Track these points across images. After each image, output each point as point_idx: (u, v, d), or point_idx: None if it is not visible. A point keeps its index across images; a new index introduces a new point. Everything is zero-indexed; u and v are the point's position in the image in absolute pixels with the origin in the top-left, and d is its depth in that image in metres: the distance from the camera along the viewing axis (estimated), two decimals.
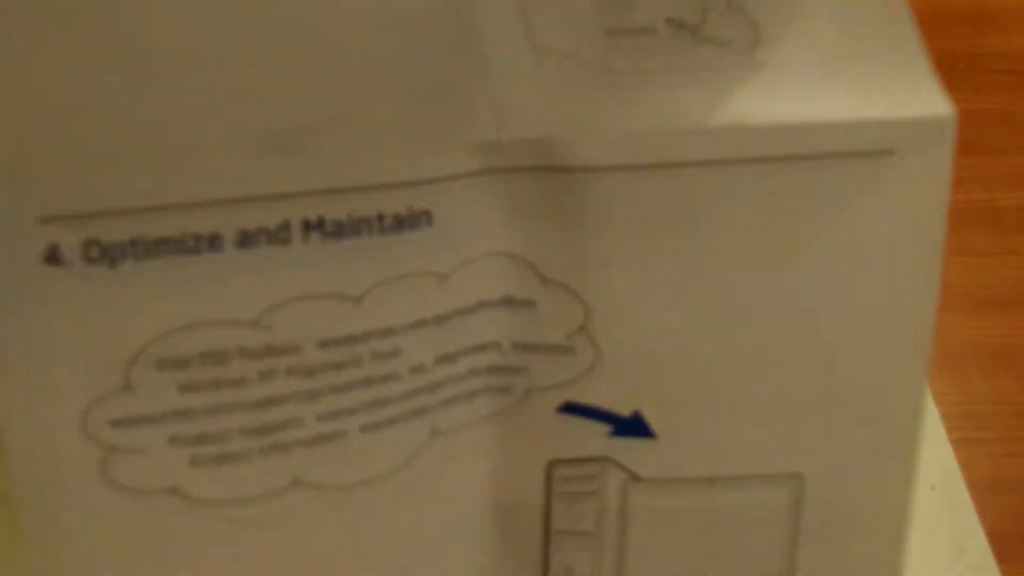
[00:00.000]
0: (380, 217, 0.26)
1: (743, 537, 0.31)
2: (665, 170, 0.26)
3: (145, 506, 0.27)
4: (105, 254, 0.25)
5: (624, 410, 0.29)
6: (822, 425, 0.30)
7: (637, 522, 0.31)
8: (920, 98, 0.27)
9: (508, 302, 0.28)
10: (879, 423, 0.30)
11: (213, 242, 0.25)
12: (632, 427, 0.29)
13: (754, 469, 0.30)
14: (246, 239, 0.25)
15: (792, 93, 0.27)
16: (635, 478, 0.30)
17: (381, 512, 0.29)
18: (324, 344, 0.26)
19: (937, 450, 0.44)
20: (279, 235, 0.25)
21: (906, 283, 0.29)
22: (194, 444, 0.26)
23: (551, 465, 0.30)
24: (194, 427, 0.26)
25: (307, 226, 0.25)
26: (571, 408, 0.29)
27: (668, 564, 0.31)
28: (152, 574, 0.28)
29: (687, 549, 0.31)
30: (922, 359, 0.30)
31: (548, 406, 0.29)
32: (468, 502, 0.30)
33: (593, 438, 0.29)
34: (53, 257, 0.24)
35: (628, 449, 0.30)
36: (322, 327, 0.26)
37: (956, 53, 0.65)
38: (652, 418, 0.29)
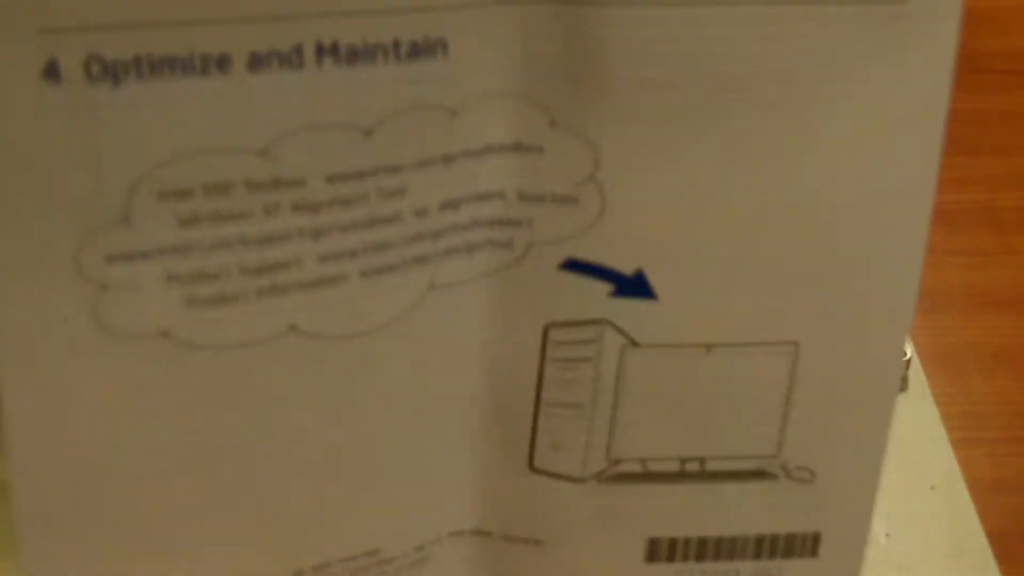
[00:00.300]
0: (396, 44, 0.26)
1: (736, 409, 0.32)
2: (681, 8, 0.27)
3: (135, 350, 0.27)
4: (107, 71, 0.24)
5: (627, 268, 0.30)
6: (820, 294, 0.31)
7: (632, 391, 0.32)
8: None
9: (516, 147, 0.28)
10: (875, 296, 0.32)
11: (222, 63, 0.25)
12: (634, 286, 0.30)
13: (752, 336, 0.31)
14: (257, 62, 0.25)
15: None
16: (633, 343, 0.31)
17: (373, 365, 0.29)
18: (331, 178, 0.27)
19: (937, 450, 0.45)
20: (291, 59, 0.25)
21: (909, 147, 0.30)
22: (190, 283, 0.26)
23: (548, 328, 0.31)
24: (192, 264, 0.26)
25: (321, 50, 0.26)
26: (573, 265, 0.30)
27: (659, 438, 0.32)
28: (139, 419, 0.28)
29: (680, 422, 0.32)
30: (921, 232, 0.31)
31: (549, 262, 0.30)
32: (461, 363, 0.31)
33: (593, 298, 0.30)
34: (52, 72, 0.24)
35: (628, 311, 0.31)
36: (330, 160, 0.27)
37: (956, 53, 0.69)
38: (654, 278, 0.30)
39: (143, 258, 0.26)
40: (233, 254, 0.27)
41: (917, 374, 0.47)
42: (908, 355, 0.46)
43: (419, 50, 0.26)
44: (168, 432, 0.28)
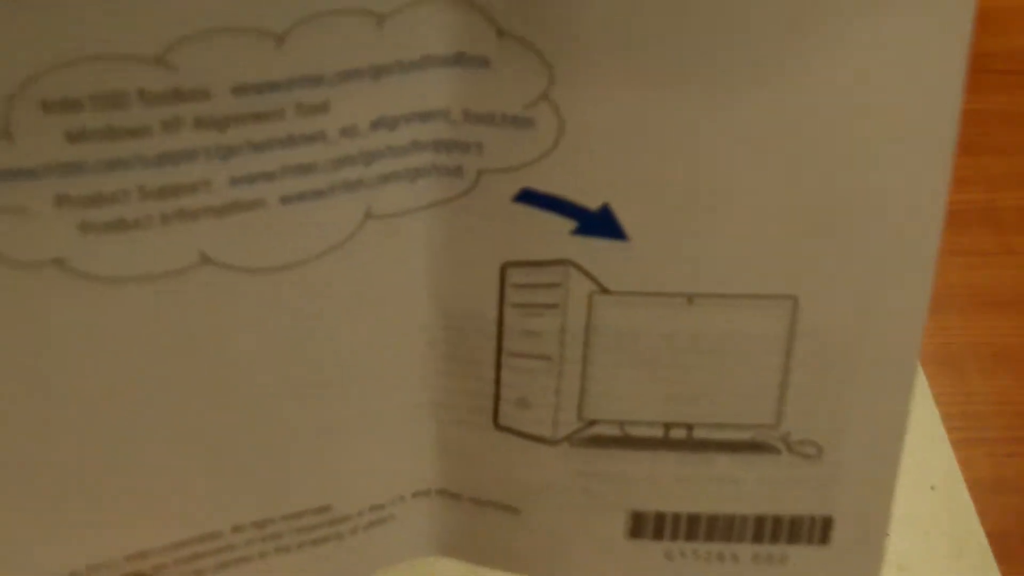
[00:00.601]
0: None
1: (726, 371, 0.29)
2: None
3: (27, 281, 0.25)
4: None
5: (591, 202, 0.27)
6: (821, 244, 0.28)
7: (604, 345, 0.29)
8: None
9: (459, 60, 0.26)
10: (887, 249, 0.28)
11: None
12: (599, 223, 0.27)
13: (742, 287, 0.28)
14: None
15: None
16: (603, 290, 0.28)
17: (305, 301, 0.27)
18: (239, 90, 0.24)
19: (937, 450, 0.46)
20: None
21: (927, 91, 0.26)
22: (85, 206, 0.24)
23: (505, 268, 0.28)
24: (85, 185, 0.24)
25: None
26: (529, 196, 0.27)
27: (638, 400, 0.29)
28: (39, 358, 0.26)
29: (661, 382, 0.29)
30: (941, 183, 0.27)
31: (503, 193, 0.27)
32: (411, 302, 0.28)
33: (554, 236, 0.27)
34: None
35: (595, 252, 0.28)
36: (236, 69, 0.24)
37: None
38: (623, 215, 0.27)
39: (28, 177, 0.24)
40: (131, 175, 0.25)
41: (917, 374, 0.46)
42: None
43: None
44: (73, 373, 0.26)
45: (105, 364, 0.27)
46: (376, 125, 0.26)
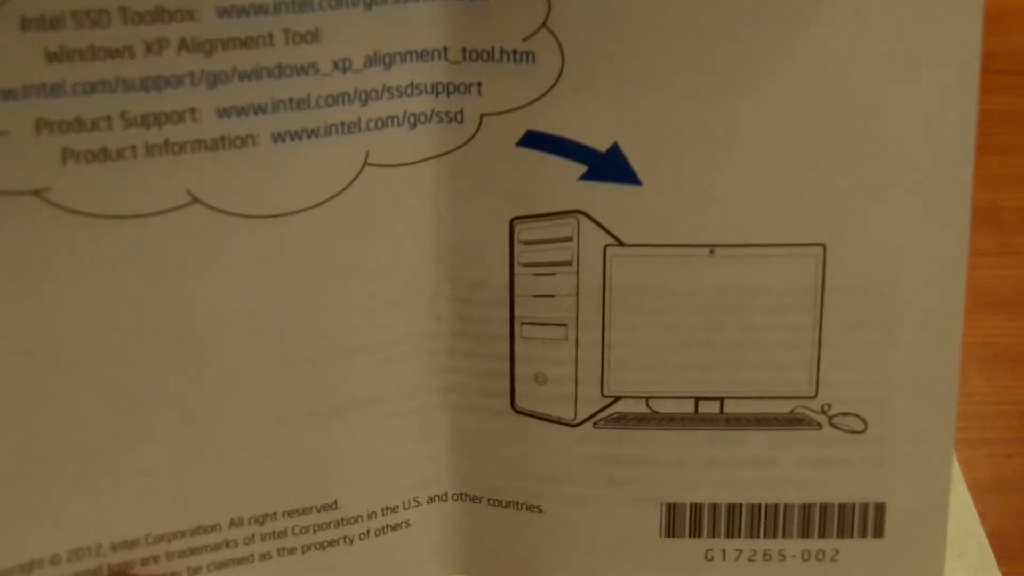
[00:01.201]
0: None
1: (754, 334, 0.26)
2: None
3: (6, 212, 0.23)
4: None
5: (599, 144, 0.24)
6: (848, 185, 0.25)
7: (622, 307, 0.26)
8: None
9: None
10: (918, 195, 0.25)
11: None
12: (609, 166, 0.25)
13: (765, 236, 0.25)
14: None
15: None
16: (618, 242, 0.25)
17: (299, 260, 0.25)
18: (225, 12, 0.23)
19: None
20: None
21: (949, 30, 0.24)
22: (65, 132, 0.22)
23: (514, 224, 0.25)
24: (66, 108, 0.22)
25: None
26: (534, 139, 0.24)
27: (663, 371, 0.26)
28: (13, 296, 0.23)
29: (685, 351, 0.26)
30: (968, 133, 0.25)
31: (507, 137, 0.25)
32: (413, 270, 0.26)
33: (563, 183, 0.25)
34: None
35: (607, 200, 0.25)
36: None
37: None
38: (634, 157, 0.25)
39: (6, 98, 0.22)
40: (113, 99, 0.23)
41: None
42: None
43: None
44: (52, 318, 0.24)
45: (88, 310, 0.24)
46: (371, 61, 0.24)
